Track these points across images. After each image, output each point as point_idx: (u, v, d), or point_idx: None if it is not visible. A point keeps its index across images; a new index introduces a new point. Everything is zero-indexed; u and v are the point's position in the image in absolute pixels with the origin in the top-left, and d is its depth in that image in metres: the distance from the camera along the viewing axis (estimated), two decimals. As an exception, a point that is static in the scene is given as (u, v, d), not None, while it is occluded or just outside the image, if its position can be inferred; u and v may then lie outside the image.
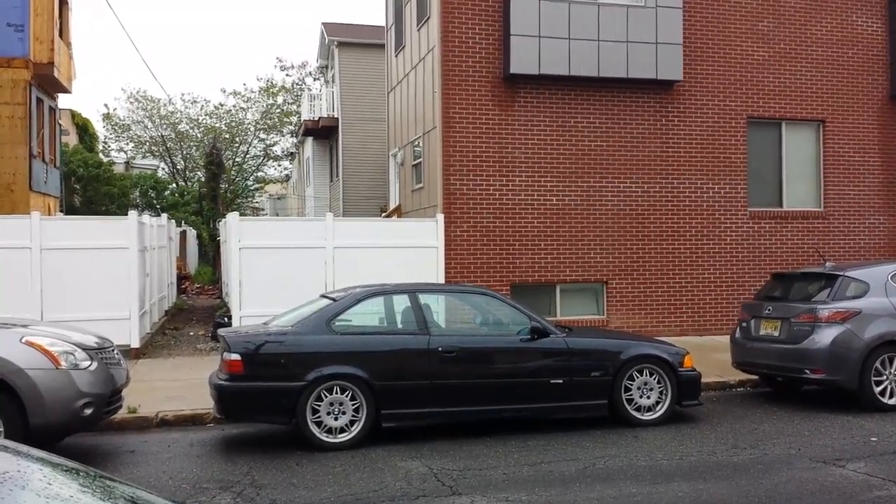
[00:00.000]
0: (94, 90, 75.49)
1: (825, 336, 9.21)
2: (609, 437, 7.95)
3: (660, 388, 8.54)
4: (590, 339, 8.99)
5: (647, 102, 15.13)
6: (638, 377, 8.49)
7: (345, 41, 28.62)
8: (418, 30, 16.90)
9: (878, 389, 9.20)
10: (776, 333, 9.76)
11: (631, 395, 8.45)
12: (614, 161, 14.97)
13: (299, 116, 36.04)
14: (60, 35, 21.81)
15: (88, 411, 6.89)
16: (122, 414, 8.31)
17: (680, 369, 8.63)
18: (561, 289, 14.77)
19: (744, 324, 10.43)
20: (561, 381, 8.24)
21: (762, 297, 10.55)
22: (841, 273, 9.73)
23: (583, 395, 8.34)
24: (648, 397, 8.51)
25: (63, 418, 6.76)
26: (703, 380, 9.29)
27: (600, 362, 8.43)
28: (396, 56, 19.53)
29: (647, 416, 8.47)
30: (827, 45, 16.09)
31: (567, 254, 14.67)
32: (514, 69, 14.08)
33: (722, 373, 11.11)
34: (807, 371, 9.33)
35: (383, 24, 22.07)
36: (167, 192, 38.82)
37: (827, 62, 16.09)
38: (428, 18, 15.83)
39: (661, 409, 8.52)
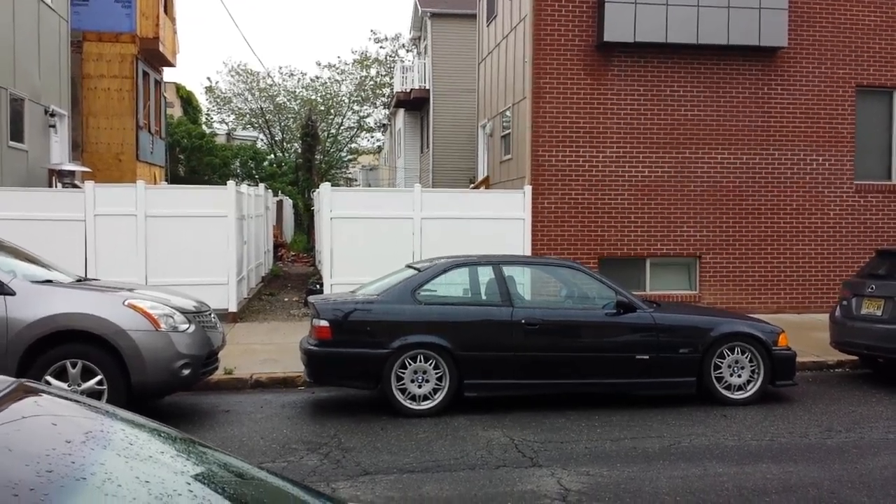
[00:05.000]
0: (198, 64, 78.17)
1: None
2: (696, 416, 7.79)
3: (752, 366, 8.30)
4: (678, 314, 8.79)
5: (748, 70, 14.51)
6: (729, 355, 8.28)
7: (437, 12, 28.58)
8: (510, -2, 16.68)
9: None
10: (879, 313, 9.31)
11: (721, 373, 8.25)
12: (712, 132, 14.46)
13: (392, 88, 36.29)
14: (165, 10, 22.63)
15: (186, 372, 7.23)
16: (218, 375, 8.69)
17: (774, 348, 8.36)
18: (651, 263, 14.46)
19: (844, 302, 9.98)
20: (647, 357, 8.11)
21: (865, 275, 10.07)
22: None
23: (669, 371, 8.20)
24: (739, 376, 8.28)
25: (162, 378, 7.12)
26: (800, 359, 8.98)
27: (689, 339, 8.25)
28: (488, 26, 19.35)
29: (738, 395, 8.26)
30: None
31: (658, 227, 14.32)
32: (608, 37, 13.74)
33: (820, 352, 10.68)
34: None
35: (475, -7, 21.89)
36: (265, 163, 39.94)
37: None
38: (520, -13, 15.60)
39: (752, 388, 8.28)
